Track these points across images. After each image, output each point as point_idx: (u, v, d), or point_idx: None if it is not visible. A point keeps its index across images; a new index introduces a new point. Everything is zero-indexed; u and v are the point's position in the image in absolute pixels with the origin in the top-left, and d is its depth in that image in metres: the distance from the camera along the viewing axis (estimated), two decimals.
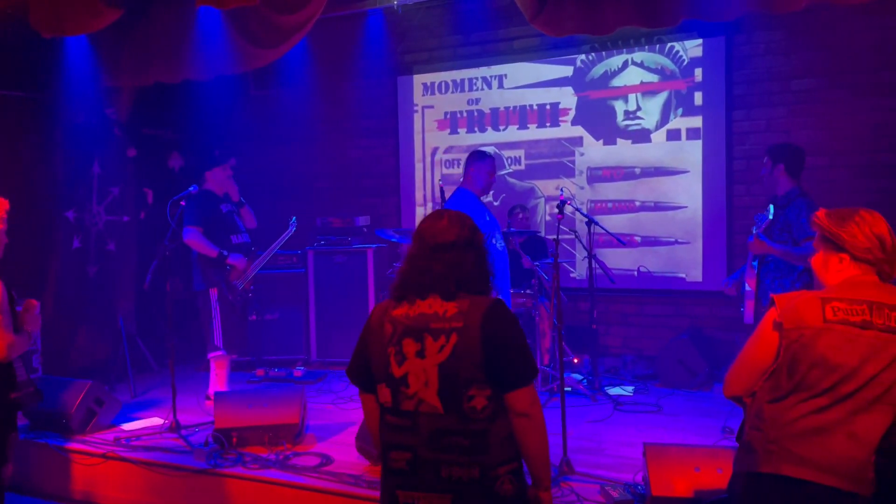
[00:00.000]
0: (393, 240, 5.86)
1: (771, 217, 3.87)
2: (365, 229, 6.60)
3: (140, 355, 6.09)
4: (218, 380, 4.90)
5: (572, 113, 6.32)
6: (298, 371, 5.93)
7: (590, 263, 5.21)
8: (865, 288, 1.93)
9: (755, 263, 4.11)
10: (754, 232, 3.99)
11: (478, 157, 4.31)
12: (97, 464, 4.19)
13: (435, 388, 1.94)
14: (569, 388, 5.31)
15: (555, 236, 3.87)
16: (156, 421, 4.72)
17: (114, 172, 6.24)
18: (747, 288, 4.15)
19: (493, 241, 4.12)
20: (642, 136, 6.08)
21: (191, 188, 4.60)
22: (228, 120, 6.78)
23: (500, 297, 3.86)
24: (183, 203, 4.53)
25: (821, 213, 2.05)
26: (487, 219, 4.12)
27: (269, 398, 4.24)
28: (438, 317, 1.98)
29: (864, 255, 1.94)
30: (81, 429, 4.45)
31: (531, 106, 6.47)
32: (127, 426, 4.66)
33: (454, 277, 2.01)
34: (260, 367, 6.01)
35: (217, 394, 4.41)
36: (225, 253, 4.74)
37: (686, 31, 5.81)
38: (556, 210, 3.73)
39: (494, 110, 6.62)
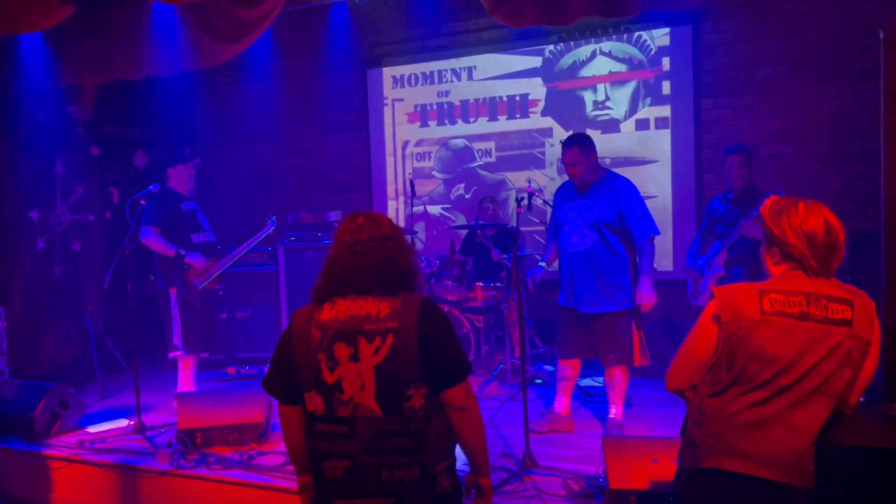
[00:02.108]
0: None
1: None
2: (336, 224, 6.56)
3: (109, 356, 6.03)
4: (181, 379, 4.85)
5: (542, 104, 6.30)
6: None
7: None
8: (803, 279, 1.92)
9: (729, 249, 4.32)
10: (753, 214, 4.13)
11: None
12: (61, 467, 4.13)
13: (372, 391, 1.90)
14: (540, 381, 5.32)
15: (522, 228, 3.88)
16: (122, 423, 4.68)
17: (77, 171, 6.15)
18: (718, 267, 4.28)
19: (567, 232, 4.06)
20: (611, 126, 6.07)
21: (151, 186, 4.54)
22: (196, 116, 6.70)
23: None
24: (143, 202, 4.46)
25: (767, 202, 2.02)
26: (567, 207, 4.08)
27: (233, 397, 4.20)
28: (372, 318, 1.94)
29: (790, 251, 1.92)
30: (46, 432, 4.40)
31: (501, 97, 6.44)
32: (92, 428, 4.61)
33: (374, 273, 1.99)
34: (231, 365, 5.97)
35: (179, 394, 4.36)
36: (182, 252, 4.68)
37: (653, 20, 5.80)
38: (516, 203, 3.71)
39: (464, 102, 6.58)
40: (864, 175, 5.16)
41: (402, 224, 6.67)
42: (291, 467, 3.71)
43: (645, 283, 3.88)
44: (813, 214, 1.92)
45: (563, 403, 4.19)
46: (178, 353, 4.73)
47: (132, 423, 4.47)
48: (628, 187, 3.96)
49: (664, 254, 5.92)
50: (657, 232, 3.94)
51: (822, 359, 1.84)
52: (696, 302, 4.68)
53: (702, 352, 1.96)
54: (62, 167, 6.06)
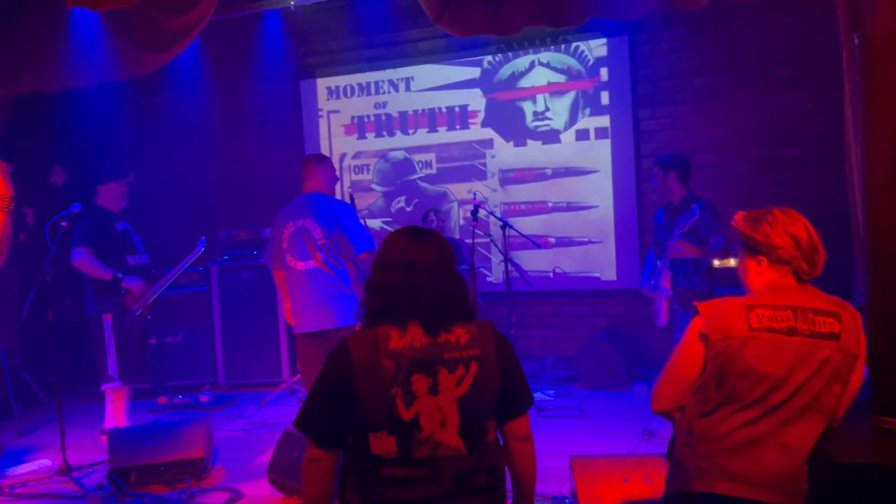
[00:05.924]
0: None
1: (697, 216, 3.82)
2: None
3: (27, 390, 5.57)
4: (116, 413, 4.50)
5: (482, 115, 6.24)
6: (205, 396, 5.56)
7: (506, 267, 5.13)
8: (788, 292, 1.87)
9: (669, 266, 4.09)
10: (676, 234, 3.93)
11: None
12: None
13: (455, 427, 1.72)
14: None
15: (471, 241, 3.77)
16: (44, 463, 4.30)
17: None
18: (665, 289, 4.13)
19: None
20: (552, 136, 6.05)
21: (73, 206, 4.19)
22: (117, 130, 6.31)
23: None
24: (64, 224, 4.12)
25: (738, 217, 1.99)
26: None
27: (169, 431, 3.92)
28: (451, 345, 1.75)
29: (780, 255, 1.88)
30: None
31: (440, 108, 6.35)
32: (11, 471, 4.22)
33: (455, 298, 1.82)
34: (163, 395, 5.61)
35: (110, 430, 4.05)
36: (120, 275, 4.36)
37: (590, 31, 5.83)
38: (471, 216, 3.59)
39: (403, 114, 6.45)
40: (798, 182, 5.33)
41: None
42: None
43: None
44: (792, 218, 1.91)
45: None
46: (114, 384, 4.38)
47: (55, 463, 4.11)
48: None
49: (608, 263, 5.94)
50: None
51: (813, 374, 1.79)
52: (658, 323, 4.47)
53: (689, 371, 1.88)
54: None
